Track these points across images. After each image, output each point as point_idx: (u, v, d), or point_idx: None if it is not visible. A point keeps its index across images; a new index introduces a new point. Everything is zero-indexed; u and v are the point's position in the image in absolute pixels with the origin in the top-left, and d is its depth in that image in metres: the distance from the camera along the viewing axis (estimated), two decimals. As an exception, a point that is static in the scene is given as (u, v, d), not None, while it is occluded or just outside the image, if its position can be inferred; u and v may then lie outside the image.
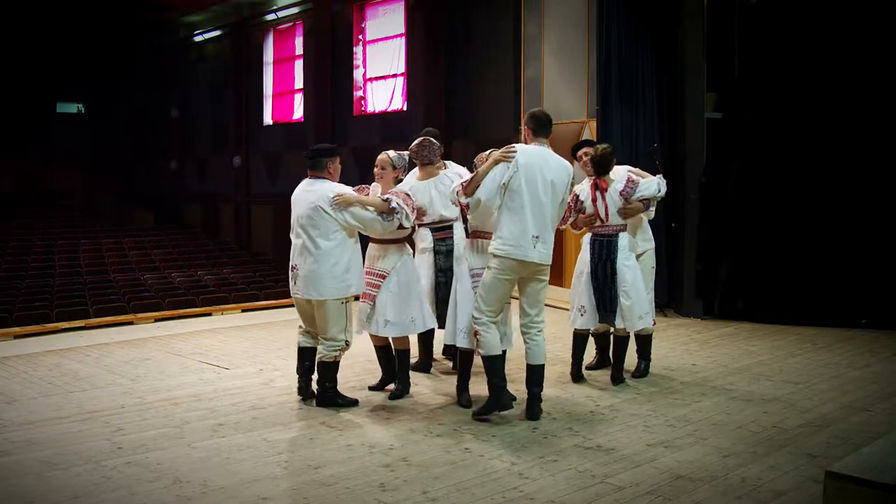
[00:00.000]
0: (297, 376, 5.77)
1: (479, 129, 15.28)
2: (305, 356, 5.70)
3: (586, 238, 6.19)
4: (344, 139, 18.72)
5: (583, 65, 10.27)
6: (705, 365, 6.79)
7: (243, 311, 10.51)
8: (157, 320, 9.88)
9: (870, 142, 8.42)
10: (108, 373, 6.76)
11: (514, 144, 5.24)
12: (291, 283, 5.56)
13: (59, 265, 17.86)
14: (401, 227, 5.52)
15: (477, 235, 5.51)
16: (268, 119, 22.27)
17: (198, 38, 24.52)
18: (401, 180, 5.92)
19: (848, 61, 8.51)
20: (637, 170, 6.35)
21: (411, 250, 5.96)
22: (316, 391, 5.63)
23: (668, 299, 9.54)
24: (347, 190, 5.46)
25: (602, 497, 3.92)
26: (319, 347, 5.53)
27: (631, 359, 6.39)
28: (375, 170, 5.84)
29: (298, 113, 21.15)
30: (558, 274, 10.08)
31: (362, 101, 18.87)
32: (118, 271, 17.63)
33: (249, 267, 18.92)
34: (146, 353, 7.58)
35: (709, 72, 9.30)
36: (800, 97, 8.76)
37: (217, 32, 23.75)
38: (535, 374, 5.27)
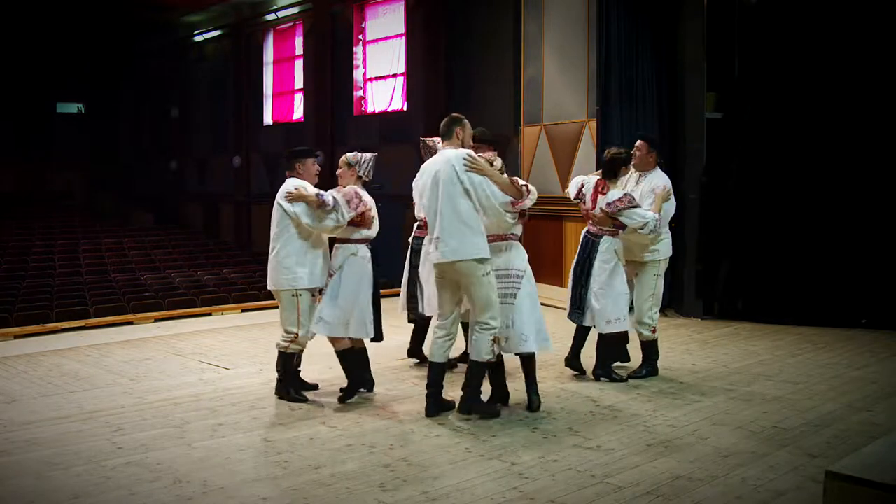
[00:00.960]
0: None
1: (479, 128, 15.26)
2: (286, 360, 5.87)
3: (583, 232, 6.25)
4: (344, 139, 18.73)
5: (583, 65, 10.27)
6: (705, 365, 6.79)
7: (243, 311, 10.50)
8: (157, 320, 9.86)
9: (870, 142, 8.43)
10: (108, 373, 6.76)
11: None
12: None
13: (59, 265, 17.85)
14: (352, 223, 5.64)
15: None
16: (268, 119, 22.27)
17: (198, 38, 24.52)
18: (364, 179, 5.87)
19: (848, 61, 8.51)
20: (661, 193, 6.15)
21: (367, 253, 5.76)
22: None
23: (669, 299, 9.53)
24: (307, 187, 5.57)
25: (602, 497, 3.92)
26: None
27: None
28: (337, 171, 5.91)
29: (298, 113, 21.15)
30: (557, 273, 10.08)
31: (362, 101, 18.87)
32: (118, 271, 17.62)
33: (249, 267, 18.90)
34: (146, 353, 7.58)
35: (709, 72, 9.31)
36: (800, 97, 8.77)
37: (217, 32, 23.75)
38: (470, 371, 5.27)
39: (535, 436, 4.87)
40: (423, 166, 5.49)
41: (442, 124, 5.51)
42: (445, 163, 5.21)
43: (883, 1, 8.47)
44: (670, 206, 6.25)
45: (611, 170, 6.07)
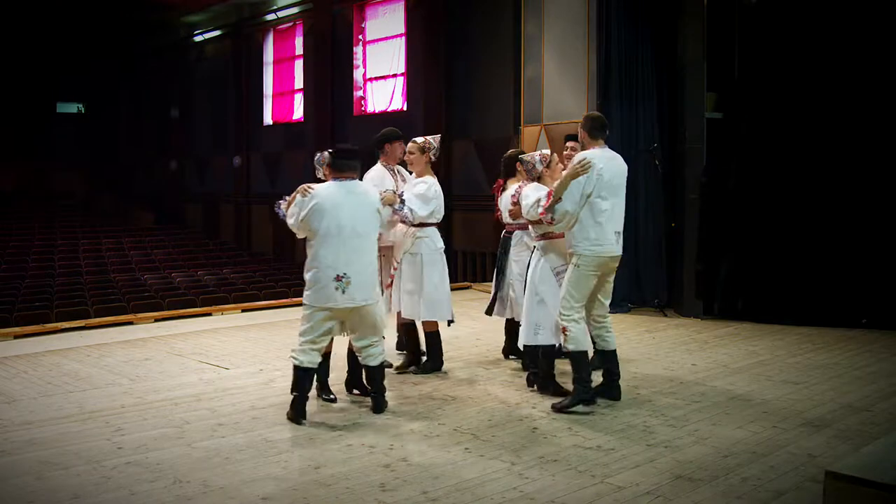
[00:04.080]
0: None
1: (478, 129, 15.30)
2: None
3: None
4: (344, 139, 18.73)
5: (583, 65, 10.26)
6: (705, 365, 6.79)
7: (243, 311, 10.48)
8: (157, 320, 9.84)
9: (870, 142, 8.42)
10: (108, 373, 6.76)
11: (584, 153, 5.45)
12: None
13: (59, 265, 17.86)
14: None
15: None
16: (268, 119, 22.28)
17: (198, 38, 24.54)
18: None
19: (848, 61, 8.50)
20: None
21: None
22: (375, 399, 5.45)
23: (669, 299, 9.54)
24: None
25: (602, 497, 3.92)
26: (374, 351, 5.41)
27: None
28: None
29: (298, 113, 21.17)
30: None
31: (362, 101, 18.88)
32: (118, 271, 17.63)
33: (249, 267, 18.93)
34: (146, 353, 7.58)
35: (709, 72, 9.31)
36: (800, 97, 8.76)
37: (217, 32, 23.77)
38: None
39: (535, 436, 4.87)
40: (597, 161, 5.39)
41: (593, 120, 5.60)
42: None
43: (883, 1, 8.46)
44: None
45: (507, 168, 6.51)
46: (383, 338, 5.51)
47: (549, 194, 5.36)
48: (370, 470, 4.30)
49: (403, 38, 17.54)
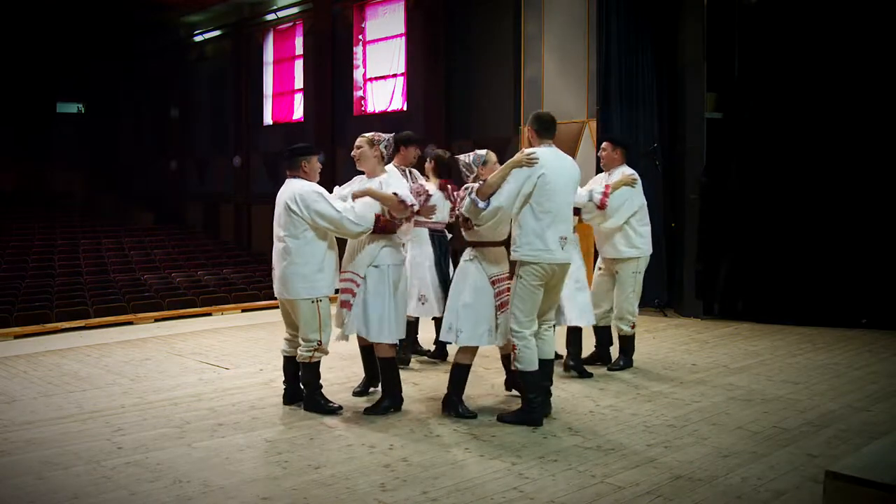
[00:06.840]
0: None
1: (478, 129, 15.30)
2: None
3: None
4: (344, 139, 18.73)
5: (583, 65, 10.27)
6: (705, 365, 6.79)
7: (243, 311, 10.50)
8: (157, 320, 9.86)
9: (870, 142, 8.43)
10: (108, 373, 6.76)
11: (533, 149, 5.11)
12: None
13: (59, 265, 17.85)
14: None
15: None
16: (268, 119, 22.26)
17: (198, 38, 24.52)
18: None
19: (848, 61, 8.51)
20: (624, 178, 6.50)
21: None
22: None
23: (669, 299, 9.54)
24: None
25: (602, 497, 3.92)
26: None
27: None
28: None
29: (298, 113, 21.15)
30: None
31: (362, 101, 18.87)
32: (118, 271, 17.63)
33: (249, 267, 18.91)
34: (146, 353, 7.58)
35: (709, 72, 9.31)
36: (800, 97, 8.77)
37: (217, 32, 23.75)
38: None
39: (535, 436, 4.87)
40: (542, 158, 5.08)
41: (541, 120, 5.25)
42: (575, 168, 5.33)
43: (883, 1, 8.47)
44: (635, 198, 6.50)
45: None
46: (317, 341, 5.31)
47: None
48: (370, 470, 4.30)
49: (403, 38, 17.53)
